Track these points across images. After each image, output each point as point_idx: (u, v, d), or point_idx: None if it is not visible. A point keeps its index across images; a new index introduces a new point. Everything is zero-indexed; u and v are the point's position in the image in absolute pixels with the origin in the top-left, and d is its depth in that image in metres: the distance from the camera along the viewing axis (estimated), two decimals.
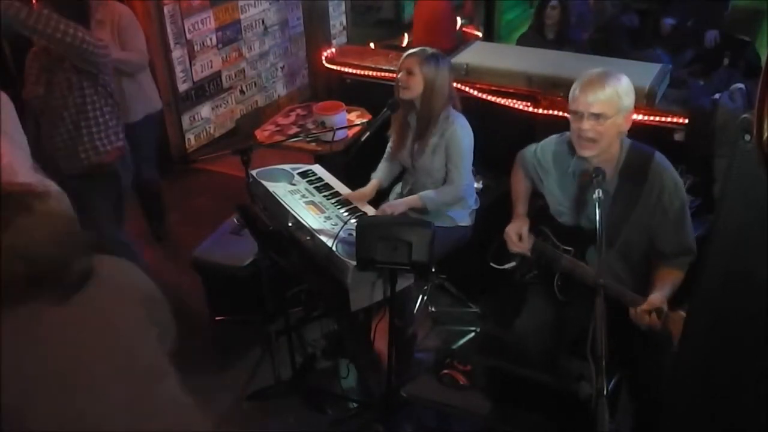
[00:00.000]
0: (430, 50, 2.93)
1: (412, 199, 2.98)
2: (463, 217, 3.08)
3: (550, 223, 2.54)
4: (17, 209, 1.43)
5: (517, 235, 2.54)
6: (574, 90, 2.31)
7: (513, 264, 2.62)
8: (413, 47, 3.04)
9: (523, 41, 5.01)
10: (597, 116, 2.25)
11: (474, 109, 3.16)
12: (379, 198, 3.17)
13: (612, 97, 2.24)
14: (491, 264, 2.68)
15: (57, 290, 1.47)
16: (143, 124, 3.75)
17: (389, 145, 3.19)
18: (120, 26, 3.47)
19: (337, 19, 5.59)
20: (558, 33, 4.80)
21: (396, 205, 2.98)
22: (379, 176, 3.16)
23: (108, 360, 1.52)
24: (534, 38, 4.87)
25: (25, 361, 1.44)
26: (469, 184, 3.03)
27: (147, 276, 1.72)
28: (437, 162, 2.96)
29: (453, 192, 2.96)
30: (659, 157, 2.35)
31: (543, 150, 2.60)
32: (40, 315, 1.47)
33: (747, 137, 1.24)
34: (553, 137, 2.58)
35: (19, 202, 1.45)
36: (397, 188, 3.27)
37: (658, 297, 2.16)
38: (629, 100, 2.28)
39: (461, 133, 2.90)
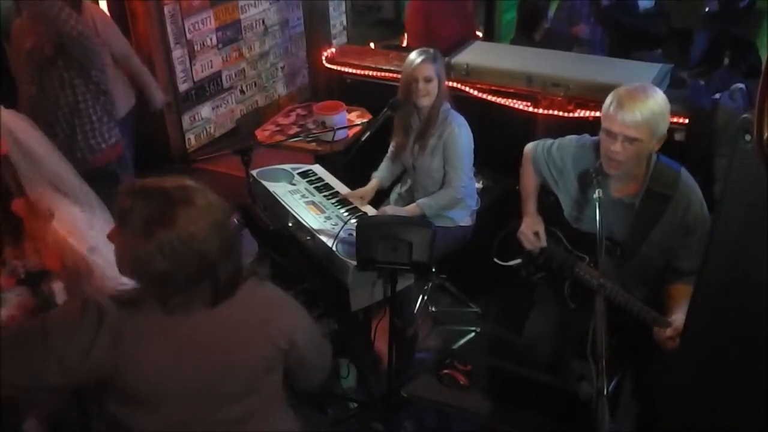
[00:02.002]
0: (431, 50, 2.93)
1: (410, 209, 2.97)
2: (464, 218, 3.08)
3: (562, 226, 2.50)
4: (178, 204, 1.44)
5: (534, 234, 2.51)
6: (609, 106, 2.20)
7: (518, 261, 2.59)
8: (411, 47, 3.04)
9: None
10: (631, 140, 2.16)
11: (474, 109, 3.16)
12: (379, 197, 3.17)
13: (650, 120, 2.14)
14: (495, 260, 2.64)
15: (211, 290, 1.50)
16: (126, 120, 3.75)
17: (392, 143, 3.19)
18: (96, 27, 3.44)
19: (338, 19, 5.57)
20: (546, 31, 4.79)
21: (398, 211, 2.99)
22: (379, 176, 3.16)
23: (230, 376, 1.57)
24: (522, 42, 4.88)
25: (168, 364, 1.50)
26: (468, 185, 3.02)
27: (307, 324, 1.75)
28: (436, 163, 2.96)
29: (449, 195, 2.95)
30: (686, 175, 2.29)
31: (561, 150, 2.50)
32: (191, 317, 1.51)
33: (747, 137, 1.24)
34: (573, 139, 2.49)
35: (177, 197, 1.45)
36: (398, 188, 3.27)
37: (682, 320, 2.07)
38: (665, 124, 2.19)
39: (459, 133, 2.90)
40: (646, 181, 2.28)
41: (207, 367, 1.53)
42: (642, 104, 2.14)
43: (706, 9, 5.06)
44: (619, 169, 2.24)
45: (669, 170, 2.29)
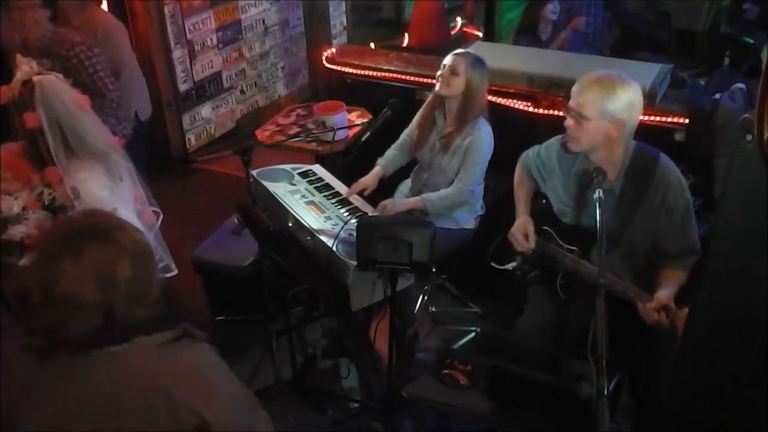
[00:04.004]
0: (475, 54, 2.97)
1: (413, 201, 2.99)
2: (468, 221, 3.08)
3: (554, 223, 2.53)
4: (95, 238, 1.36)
5: (523, 235, 2.55)
6: (575, 85, 2.33)
7: (514, 264, 2.62)
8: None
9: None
10: (579, 116, 2.25)
11: None
12: (382, 193, 3.16)
13: (597, 100, 2.21)
14: (492, 264, 2.68)
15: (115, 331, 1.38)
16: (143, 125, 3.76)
17: (404, 133, 3.19)
18: (97, 37, 3.43)
19: (338, 19, 5.59)
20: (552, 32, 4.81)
21: (398, 204, 2.99)
22: (383, 164, 3.16)
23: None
24: (530, 40, 4.89)
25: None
26: (476, 189, 3.03)
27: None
28: (455, 164, 2.97)
29: (454, 195, 2.96)
30: (664, 158, 2.33)
31: (547, 150, 2.59)
32: (77, 373, 1.38)
33: (748, 137, 1.24)
34: (557, 137, 2.56)
35: (98, 231, 1.38)
36: (401, 187, 3.27)
37: (666, 294, 2.15)
38: (620, 108, 2.21)
39: (484, 141, 2.92)
40: (625, 166, 2.33)
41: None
42: (596, 83, 2.22)
43: (745, 15, 4.99)
44: (575, 145, 2.32)
45: (646, 154, 2.34)
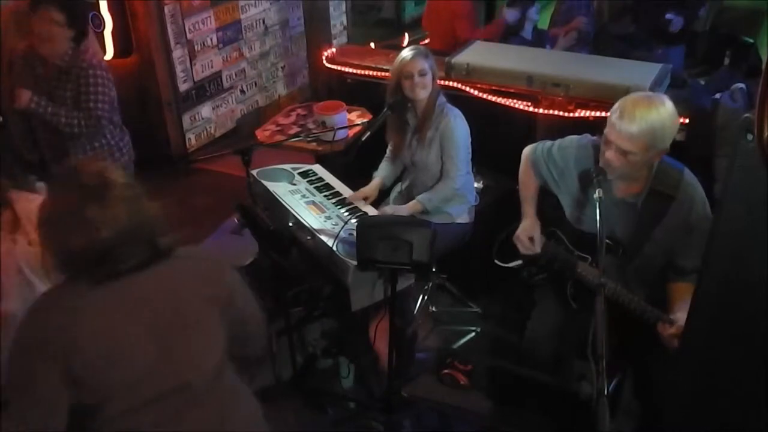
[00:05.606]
0: (420, 47, 3.00)
1: (411, 206, 2.99)
2: (461, 214, 3.08)
3: (564, 227, 2.48)
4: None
5: (529, 238, 2.49)
6: (613, 112, 2.18)
7: (519, 262, 2.57)
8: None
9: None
10: (624, 152, 2.15)
11: (474, 109, 3.16)
12: (380, 196, 3.17)
13: (646, 136, 2.10)
14: (496, 261, 2.63)
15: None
16: None
17: (389, 145, 3.20)
18: None
19: (338, 18, 5.58)
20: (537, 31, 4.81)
21: (399, 209, 2.99)
22: (381, 175, 3.17)
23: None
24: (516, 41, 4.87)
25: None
26: (465, 177, 3.03)
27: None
28: (434, 155, 2.98)
29: (448, 187, 2.97)
30: (688, 174, 2.28)
31: (562, 151, 2.46)
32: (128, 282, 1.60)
33: (748, 137, 1.24)
34: (574, 139, 2.46)
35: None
36: (398, 188, 3.28)
37: (684, 317, 2.05)
38: (667, 139, 2.15)
39: (455, 124, 2.93)
40: (649, 181, 2.27)
41: (160, 324, 1.59)
42: (642, 118, 2.10)
43: (671, 28, 4.89)
44: (614, 173, 2.24)
45: (672, 170, 2.28)
